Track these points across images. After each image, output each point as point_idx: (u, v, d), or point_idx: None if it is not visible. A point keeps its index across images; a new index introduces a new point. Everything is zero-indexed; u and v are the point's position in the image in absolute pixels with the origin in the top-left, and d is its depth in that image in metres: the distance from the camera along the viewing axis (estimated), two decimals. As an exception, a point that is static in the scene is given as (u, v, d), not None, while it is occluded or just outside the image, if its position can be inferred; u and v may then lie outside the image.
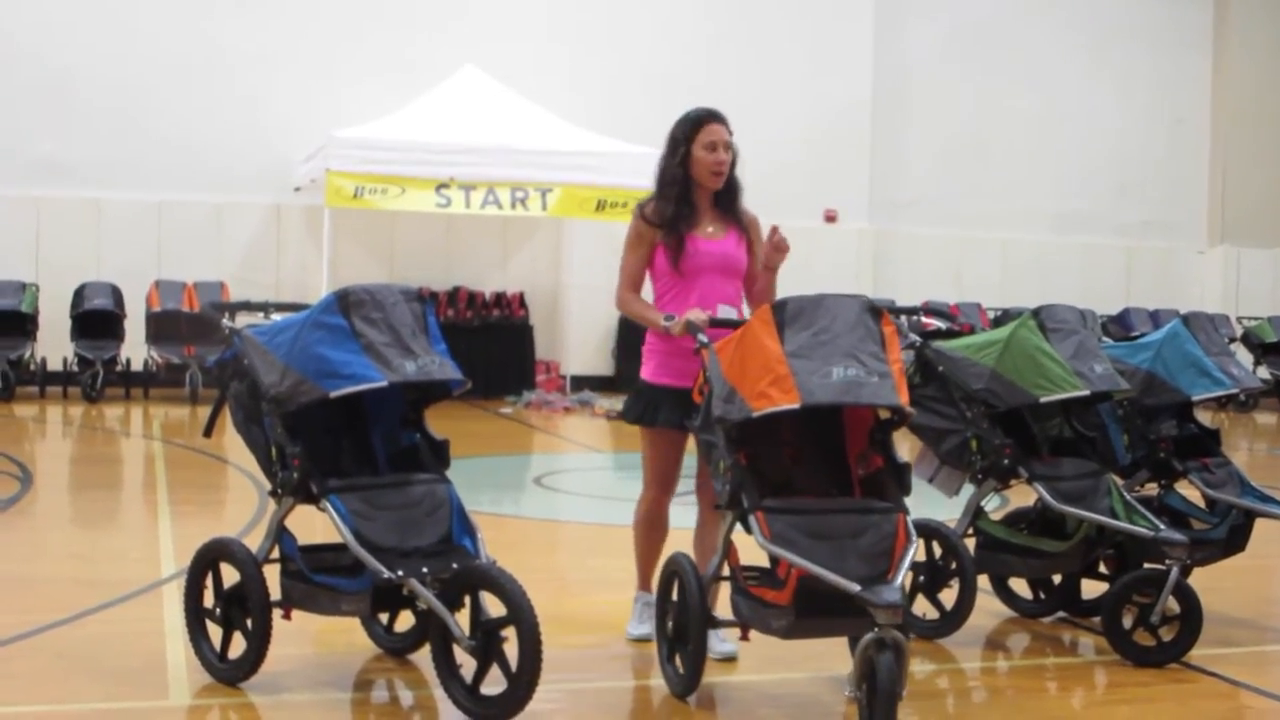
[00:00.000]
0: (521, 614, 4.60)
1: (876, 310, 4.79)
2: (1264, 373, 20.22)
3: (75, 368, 16.98)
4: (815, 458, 5.03)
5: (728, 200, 5.78)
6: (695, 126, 5.74)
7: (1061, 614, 6.45)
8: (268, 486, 5.24)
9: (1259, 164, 23.40)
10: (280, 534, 5.15)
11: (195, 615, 5.33)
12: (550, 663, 4.66)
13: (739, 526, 4.84)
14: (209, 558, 5.34)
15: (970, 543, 6.12)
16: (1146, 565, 5.96)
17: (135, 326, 17.24)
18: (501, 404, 17.48)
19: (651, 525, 5.94)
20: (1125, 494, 5.99)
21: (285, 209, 18.75)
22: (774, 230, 5.64)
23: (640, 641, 5.81)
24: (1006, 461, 5.91)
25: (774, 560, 4.78)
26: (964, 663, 5.80)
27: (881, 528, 4.56)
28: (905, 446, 5.20)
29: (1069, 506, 5.81)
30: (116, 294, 17.31)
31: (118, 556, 7.91)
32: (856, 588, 4.29)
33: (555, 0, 19.78)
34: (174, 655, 5.52)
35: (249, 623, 5.11)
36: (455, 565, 4.88)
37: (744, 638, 4.94)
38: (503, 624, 4.69)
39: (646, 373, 5.72)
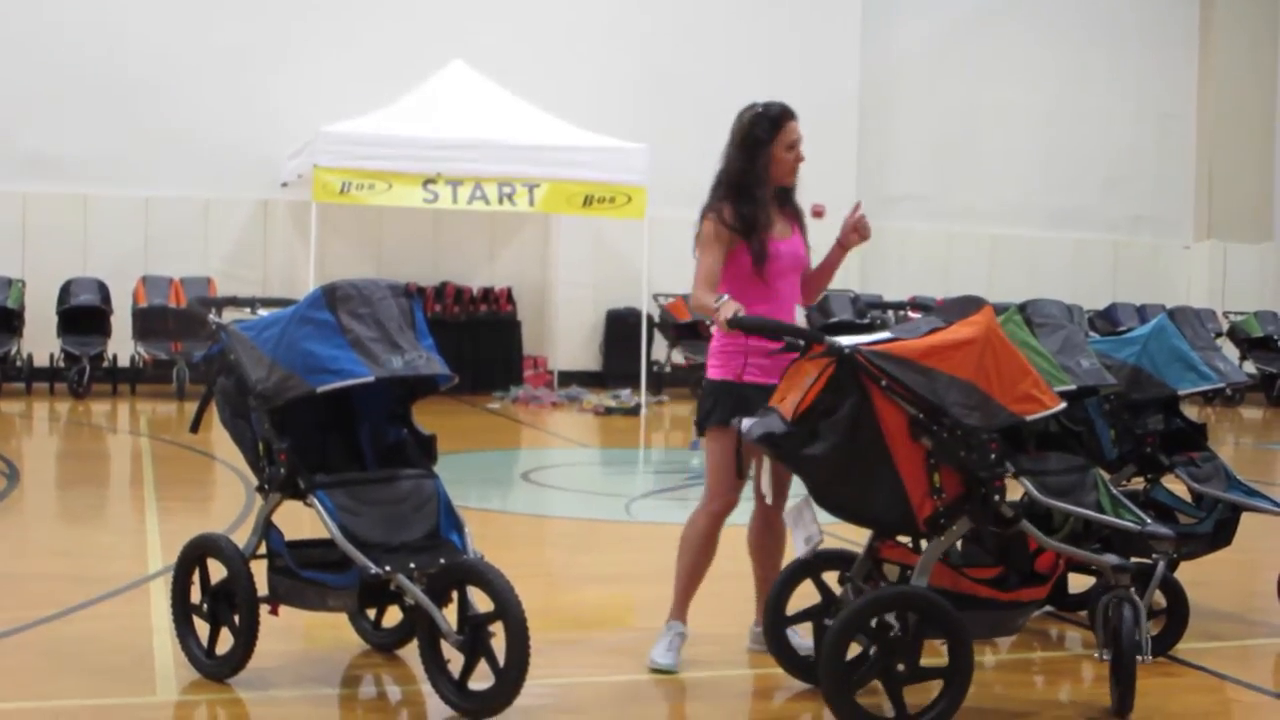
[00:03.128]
0: (509, 609, 4.60)
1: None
2: (1250, 367, 20.26)
3: (62, 364, 16.93)
4: None
5: (786, 194, 5.72)
6: (776, 126, 5.62)
7: (1048, 608, 6.46)
8: (255, 482, 5.24)
9: (1245, 159, 23.46)
10: (267, 529, 5.15)
11: (182, 611, 5.33)
12: (538, 657, 4.66)
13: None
14: (196, 553, 5.33)
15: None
16: (1133, 560, 5.97)
17: (122, 322, 17.20)
18: (489, 399, 17.47)
19: (708, 543, 5.63)
20: (1112, 488, 5.99)
21: (272, 204, 18.72)
22: (857, 210, 5.60)
23: (660, 673, 5.46)
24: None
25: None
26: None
27: None
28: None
29: (1055, 501, 5.81)
30: (103, 290, 17.27)
31: (105, 553, 7.89)
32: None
33: (543, -5, 19.78)
34: (161, 651, 5.51)
35: (236, 618, 5.11)
36: (442, 560, 4.89)
37: None
38: (490, 619, 4.70)
39: (729, 374, 5.53)
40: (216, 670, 5.16)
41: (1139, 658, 4.88)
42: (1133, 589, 5.02)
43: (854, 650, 4.70)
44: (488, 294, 19.17)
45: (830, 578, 5.28)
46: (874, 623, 4.65)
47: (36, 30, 17.92)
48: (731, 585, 6.08)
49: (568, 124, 17.31)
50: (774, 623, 5.26)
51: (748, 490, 5.54)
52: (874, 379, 4.62)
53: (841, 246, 5.69)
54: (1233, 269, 23.22)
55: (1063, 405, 4.93)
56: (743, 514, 9.01)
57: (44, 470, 11.78)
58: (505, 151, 16.20)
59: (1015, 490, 5.98)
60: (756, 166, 5.54)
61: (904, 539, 5.06)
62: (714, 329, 5.52)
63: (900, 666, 4.67)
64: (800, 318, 5.57)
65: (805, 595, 5.30)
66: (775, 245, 5.57)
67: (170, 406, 16.04)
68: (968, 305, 4.96)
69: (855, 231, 5.61)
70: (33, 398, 16.64)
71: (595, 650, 5.93)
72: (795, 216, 5.74)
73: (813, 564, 5.24)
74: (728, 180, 5.59)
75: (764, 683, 5.28)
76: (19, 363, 16.92)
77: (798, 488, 5.03)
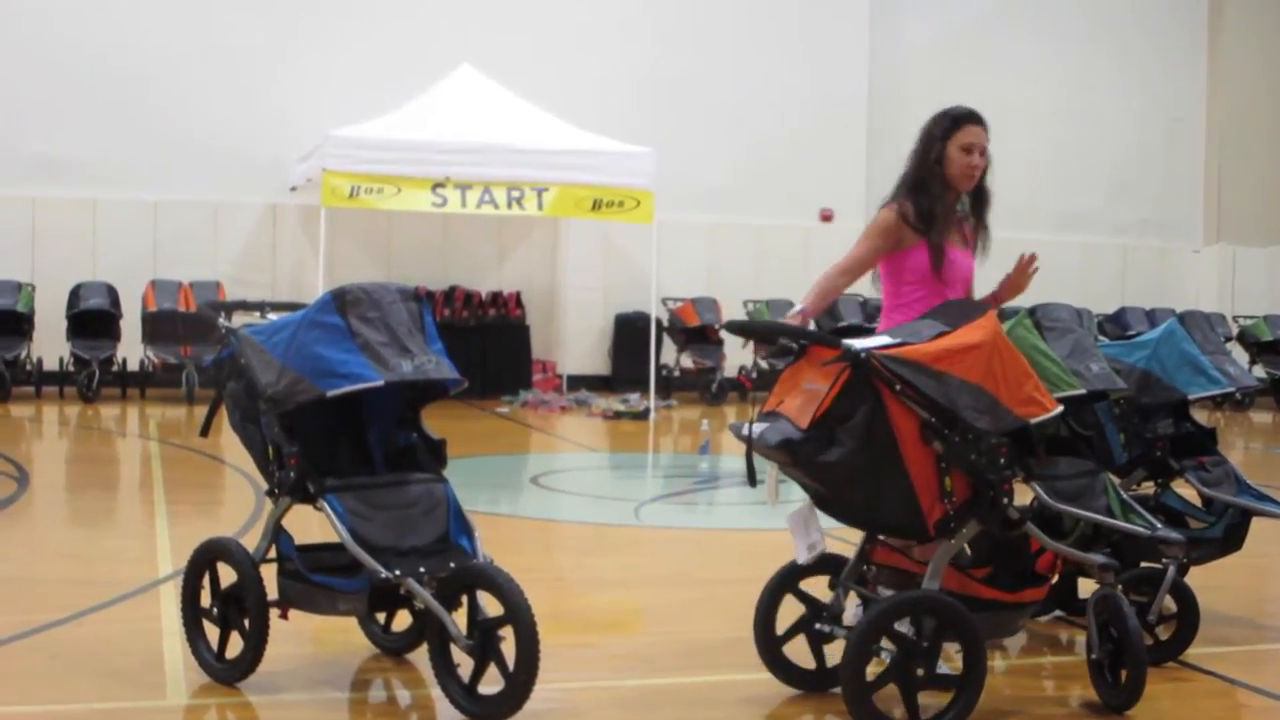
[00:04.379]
0: (519, 613, 4.60)
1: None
2: (1260, 371, 20.24)
3: (71, 368, 16.97)
4: None
5: (979, 210, 5.69)
6: (954, 125, 5.61)
7: (1058, 613, 6.45)
8: (265, 486, 5.24)
9: (1255, 163, 23.43)
10: (277, 533, 5.15)
11: (192, 615, 5.33)
12: (547, 662, 4.66)
13: None
14: (206, 557, 5.33)
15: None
16: (1143, 564, 5.97)
17: (131, 326, 17.24)
18: (498, 403, 17.47)
19: None
20: (1122, 493, 5.98)
21: (281, 208, 18.76)
22: (1031, 259, 5.59)
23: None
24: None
25: None
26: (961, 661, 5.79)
27: None
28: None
29: (1066, 505, 5.80)
30: (112, 294, 17.30)
31: (114, 556, 7.89)
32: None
33: (551, 0, 19.78)
34: (171, 655, 5.51)
35: (246, 622, 5.10)
36: (452, 564, 4.89)
37: None
38: (500, 623, 4.69)
39: None
40: (226, 674, 5.16)
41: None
42: (1121, 587, 5.10)
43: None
44: (496, 298, 19.19)
45: (808, 585, 5.28)
46: (892, 628, 4.66)
47: (45, 35, 17.96)
48: (737, 590, 6.08)
49: (576, 128, 17.33)
50: (766, 638, 5.26)
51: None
52: (888, 383, 4.61)
53: (1006, 296, 5.68)
54: (1242, 273, 23.18)
55: (1060, 409, 4.92)
56: (748, 519, 8.98)
57: (54, 474, 11.80)
58: (514, 155, 16.22)
59: (1025, 494, 5.99)
60: (930, 161, 5.55)
61: (892, 541, 5.07)
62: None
63: (919, 671, 4.67)
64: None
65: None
66: (951, 250, 5.57)
67: (179, 410, 16.06)
68: (969, 308, 4.96)
69: (1023, 276, 5.57)
70: (42, 401, 16.67)
71: (605, 655, 5.93)
72: (972, 235, 5.70)
73: (791, 576, 5.25)
74: (907, 178, 5.62)
75: (773, 688, 5.27)
76: (29, 366, 16.96)
77: (801, 494, 5.03)
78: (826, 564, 5.17)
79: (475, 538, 5.05)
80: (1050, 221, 22.31)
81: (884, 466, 4.65)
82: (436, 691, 4.91)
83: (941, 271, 5.53)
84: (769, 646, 5.25)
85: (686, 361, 19.07)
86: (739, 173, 20.33)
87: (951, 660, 4.95)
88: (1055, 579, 5.28)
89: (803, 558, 5.07)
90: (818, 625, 5.13)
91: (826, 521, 4.99)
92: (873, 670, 4.71)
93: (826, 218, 20.92)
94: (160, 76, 18.25)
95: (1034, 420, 4.83)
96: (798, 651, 5.28)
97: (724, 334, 18.80)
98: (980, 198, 5.73)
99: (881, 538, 5.06)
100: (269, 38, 18.66)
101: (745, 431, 4.80)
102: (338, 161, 15.87)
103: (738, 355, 18.83)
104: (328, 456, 5.25)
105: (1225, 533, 6.41)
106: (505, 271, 19.68)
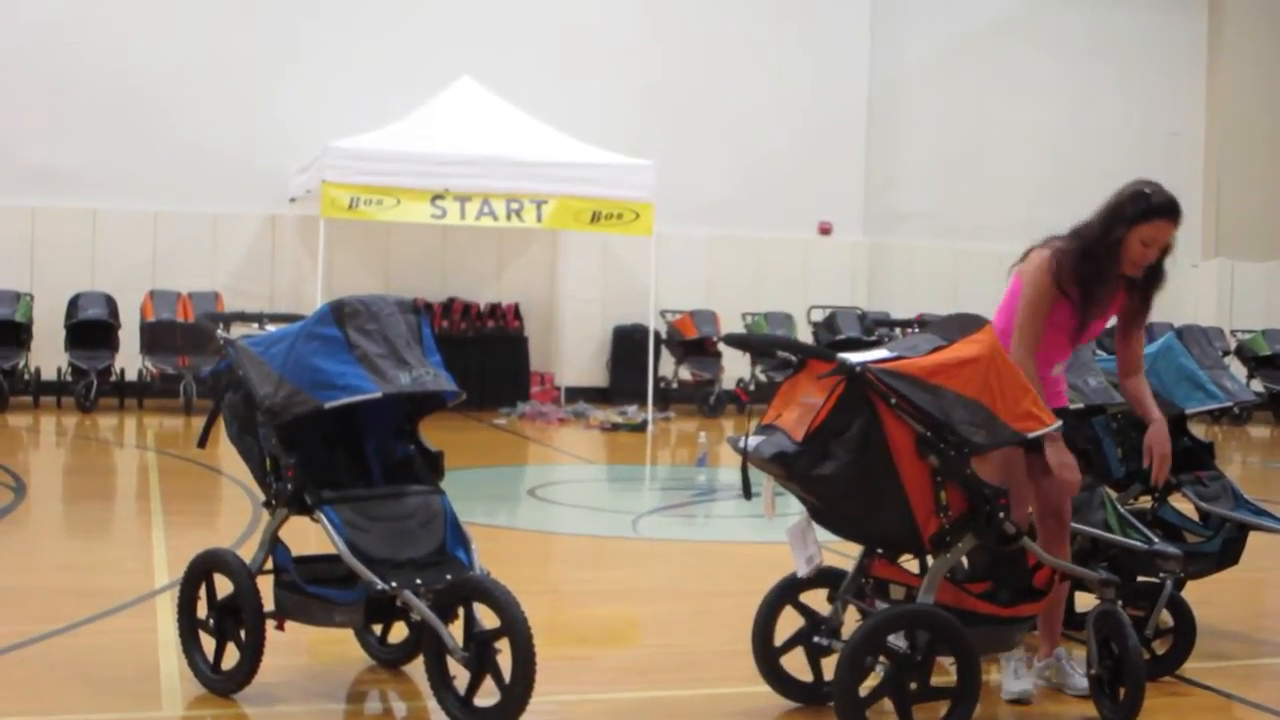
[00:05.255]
0: (515, 625, 4.60)
1: None
2: (1258, 386, 20.23)
3: (69, 378, 16.94)
4: None
5: (1147, 289, 5.52)
6: (1144, 216, 5.37)
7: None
8: (262, 497, 5.24)
9: (1253, 177, 23.44)
10: (274, 545, 5.15)
11: (189, 626, 5.33)
12: (543, 674, 4.65)
13: None
14: (203, 568, 5.34)
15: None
16: (1140, 579, 5.96)
17: (130, 337, 17.22)
18: (496, 415, 17.46)
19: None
20: (1119, 507, 5.99)
21: (280, 220, 18.76)
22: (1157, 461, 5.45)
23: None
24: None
25: None
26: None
27: None
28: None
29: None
30: (111, 304, 17.29)
31: (111, 567, 7.89)
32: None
33: (551, 12, 19.80)
34: (167, 666, 5.51)
35: (242, 634, 5.10)
36: (449, 576, 4.89)
37: None
38: (496, 635, 4.69)
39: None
40: (222, 685, 5.16)
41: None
42: (1120, 603, 5.11)
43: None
44: (495, 310, 19.19)
45: (808, 598, 5.28)
46: (885, 642, 4.66)
47: (46, 45, 17.97)
48: (734, 602, 6.08)
49: (576, 140, 17.34)
50: (764, 650, 5.26)
51: None
52: (883, 397, 4.62)
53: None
54: (1240, 287, 23.18)
55: (1059, 424, 4.92)
56: (746, 532, 8.97)
57: (51, 484, 11.79)
58: (513, 167, 16.23)
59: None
60: (1109, 238, 5.33)
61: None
62: None
63: (913, 685, 4.67)
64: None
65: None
66: (1095, 326, 5.49)
67: (177, 421, 16.06)
68: (968, 322, 4.96)
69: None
70: (40, 411, 16.65)
71: (601, 667, 5.92)
72: (1123, 302, 5.52)
73: (791, 588, 5.25)
74: (1081, 237, 5.41)
75: (768, 701, 5.27)
76: (27, 376, 16.94)
77: (797, 507, 5.03)
78: (826, 577, 5.17)
79: (472, 550, 5.05)
80: (1050, 235, 22.28)
81: (879, 480, 4.65)
82: (432, 703, 4.90)
83: (1076, 338, 5.44)
84: (767, 658, 5.25)
85: (685, 374, 19.07)
86: (738, 185, 20.34)
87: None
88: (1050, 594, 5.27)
89: (801, 571, 5.07)
90: (816, 638, 5.13)
91: (825, 535, 4.99)
92: (870, 685, 4.71)
93: (825, 231, 20.93)
94: (160, 87, 18.24)
95: (1031, 435, 4.81)
96: (795, 664, 5.28)
97: (722, 346, 18.81)
98: (1152, 279, 5.52)
99: (880, 551, 5.06)
100: (269, 49, 18.66)
101: (742, 444, 4.81)
102: (337, 173, 15.88)
103: (736, 368, 18.82)
104: (325, 468, 5.25)
105: (1222, 547, 6.41)
106: (504, 283, 19.68)
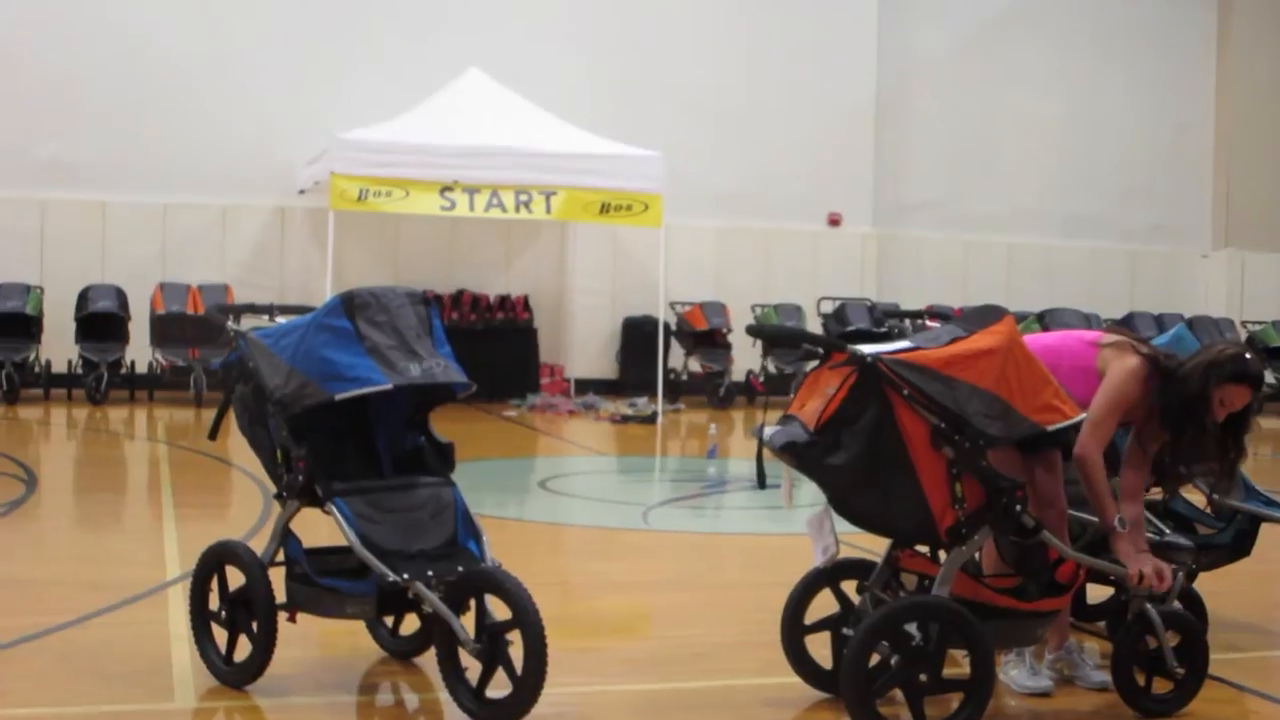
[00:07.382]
0: (526, 617, 4.60)
1: None
2: (1269, 377, 20.19)
3: (80, 370, 16.98)
4: None
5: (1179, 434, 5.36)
6: (1232, 379, 5.24)
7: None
8: (273, 489, 5.24)
9: (1264, 168, 23.39)
10: (285, 537, 5.15)
11: (200, 618, 5.33)
12: (555, 666, 4.65)
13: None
14: (214, 561, 5.34)
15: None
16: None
17: (140, 329, 17.24)
18: (506, 407, 17.47)
19: None
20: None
21: (290, 212, 18.77)
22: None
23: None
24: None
25: None
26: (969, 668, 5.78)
27: None
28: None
29: (1075, 511, 5.79)
30: (121, 296, 17.31)
31: (123, 559, 7.90)
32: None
33: (559, 3, 19.80)
34: (179, 658, 5.52)
35: (254, 626, 5.11)
36: (460, 568, 4.89)
37: None
38: (508, 627, 4.69)
39: None
40: (234, 677, 5.16)
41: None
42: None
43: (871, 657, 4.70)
44: (504, 302, 19.18)
45: (848, 587, 5.27)
46: (897, 632, 4.65)
47: (54, 38, 17.98)
48: (745, 594, 6.08)
49: (584, 131, 17.33)
50: (791, 633, 5.25)
51: None
52: (896, 388, 4.60)
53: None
54: (1251, 278, 23.13)
55: (1083, 415, 4.91)
56: (757, 523, 8.98)
57: (62, 476, 11.81)
58: (522, 159, 16.22)
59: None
60: (1197, 391, 5.22)
61: (922, 548, 5.06)
62: None
63: (923, 677, 4.66)
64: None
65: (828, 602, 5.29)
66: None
67: (188, 413, 16.08)
68: (989, 314, 4.94)
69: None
70: (51, 404, 16.68)
71: (613, 659, 5.92)
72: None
73: (832, 573, 5.24)
74: (1176, 379, 5.28)
75: (779, 692, 5.27)
76: (37, 369, 16.97)
77: (817, 497, 5.03)
78: (858, 568, 5.18)
79: (483, 541, 5.05)
80: (1059, 226, 22.30)
81: (892, 471, 4.63)
82: (444, 695, 4.91)
83: (1145, 446, 5.34)
84: (793, 635, 5.25)
85: (694, 365, 19.06)
86: (748, 177, 20.32)
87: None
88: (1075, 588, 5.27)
89: (818, 560, 5.07)
90: (845, 629, 5.11)
91: (845, 526, 4.97)
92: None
93: (835, 222, 20.90)
94: (169, 80, 18.26)
95: (1052, 428, 4.79)
96: (819, 652, 5.28)
97: (732, 338, 18.80)
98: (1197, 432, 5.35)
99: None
100: (278, 41, 18.67)
101: (758, 433, 4.81)
102: (346, 165, 15.88)
103: (745, 359, 18.81)
104: (336, 460, 5.25)
105: (1234, 539, 6.39)
106: (513, 275, 19.68)
